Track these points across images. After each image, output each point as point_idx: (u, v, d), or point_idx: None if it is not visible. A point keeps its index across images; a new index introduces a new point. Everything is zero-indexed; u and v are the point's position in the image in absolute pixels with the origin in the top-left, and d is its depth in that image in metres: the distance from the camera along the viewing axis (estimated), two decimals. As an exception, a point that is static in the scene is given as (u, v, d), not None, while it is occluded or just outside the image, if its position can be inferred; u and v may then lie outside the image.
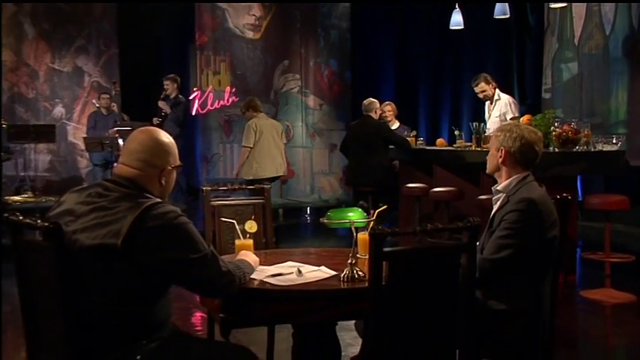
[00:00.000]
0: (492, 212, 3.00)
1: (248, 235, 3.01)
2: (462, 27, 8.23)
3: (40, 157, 10.36)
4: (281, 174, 8.24)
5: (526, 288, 2.84)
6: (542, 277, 2.87)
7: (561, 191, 5.84)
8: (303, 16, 10.47)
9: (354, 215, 2.94)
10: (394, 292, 2.26)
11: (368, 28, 11.18)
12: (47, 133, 8.78)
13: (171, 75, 9.68)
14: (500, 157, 2.98)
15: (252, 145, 7.94)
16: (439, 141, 7.65)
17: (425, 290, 2.32)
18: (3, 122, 8.76)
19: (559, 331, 4.72)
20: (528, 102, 9.63)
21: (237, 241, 2.97)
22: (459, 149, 6.99)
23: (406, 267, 2.30)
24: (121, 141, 9.46)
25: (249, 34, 10.22)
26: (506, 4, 7.54)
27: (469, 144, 6.93)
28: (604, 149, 6.05)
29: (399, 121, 8.74)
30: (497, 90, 7.29)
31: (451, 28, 8.30)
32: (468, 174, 6.61)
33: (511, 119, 6.97)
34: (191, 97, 10.03)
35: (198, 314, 4.91)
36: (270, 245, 3.79)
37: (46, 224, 2.17)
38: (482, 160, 5.56)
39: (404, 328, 2.32)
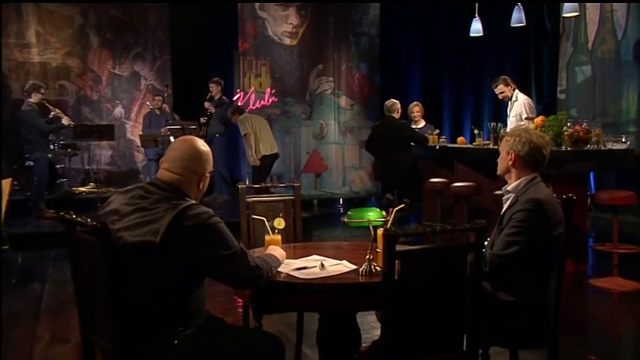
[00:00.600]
0: (502, 211, 2.96)
1: (277, 231, 2.99)
2: (482, 34, 8.07)
3: (102, 152, 10.49)
4: (276, 151, 9.12)
5: (532, 281, 2.81)
6: (548, 271, 2.84)
7: (573, 186, 5.82)
8: (336, 23, 10.40)
9: (373, 215, 2.93)
10: (406, 287, 2.27)
11: (396, 35, 11.07)
12: (107, 132, 8.90)
13: (216, 78, 9.76)
14: (510, 160, 2.94)
15: (250, 131, 8.76)
16: (460, 139, 7.52)
17: (435, 285, 2.32)
18: (71, 122, 8.92)
19: (569, 316, 4.63)
20: (545, 102, 9.45)
21: (266, 237, 2.94)
22: (477, 147, 6.91)
23: (417, 264, 2.32)
24: (172, 138, 9.60)
25: (287, 41, 10.19)
26: (522, 13, 7.37)
27: (487, 142, 6.85)
28: (613, 147, 5.93)
29: (425, 120, 8.66)
30: (516, 91, 7.10)
31: (471, 35, 8.15)
32: (486, 170, 6.53)
33: (526, 119, 6.86)
34: (235, 98, 10.02)
35: (239, 299, 4.95)
36: (300, 239, 3.74)
37: (94, 223, 2.21)
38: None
39: (416, 318, 2.33)
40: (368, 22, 10.51)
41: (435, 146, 7.60)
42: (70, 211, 2.38)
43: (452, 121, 11.03)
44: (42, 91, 8.63)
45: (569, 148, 5.77)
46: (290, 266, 2.71)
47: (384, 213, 2.94)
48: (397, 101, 7.89)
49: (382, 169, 7.99)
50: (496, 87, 7.17)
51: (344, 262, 2.76)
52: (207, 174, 2.50)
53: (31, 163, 8.67)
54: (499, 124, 6.71)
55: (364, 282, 2.51)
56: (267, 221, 3.02)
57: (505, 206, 2.97)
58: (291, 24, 10.17)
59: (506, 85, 7.09)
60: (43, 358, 4.07)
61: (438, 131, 8.13)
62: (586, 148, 5.79)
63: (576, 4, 7.06)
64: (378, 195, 10.00)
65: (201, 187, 2.49)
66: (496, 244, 2.83)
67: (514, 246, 2.74)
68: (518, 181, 2.94)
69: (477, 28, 7.93)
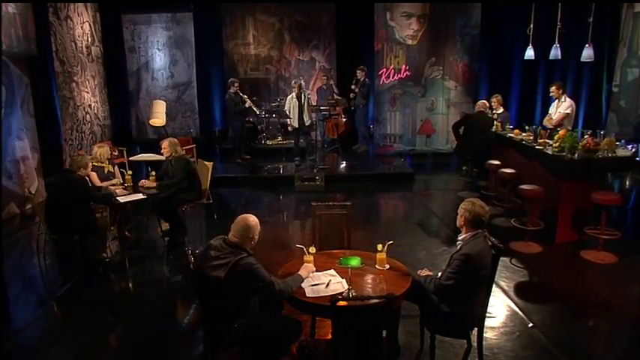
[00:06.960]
0: (453, 253, 3.08)
1: (310, 253, 3.18)
2: (533, 58, 7.32)
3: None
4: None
5: (462, 300, 2.97)
6: (474, 295, 2.98)
7: (585, 183, 5.53)
8: (445, 28, 9.93)
9: (353, 262, 3.23)
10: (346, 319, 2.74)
11: (492, 35, 10.19)
12: (285, 115, 9.56)
13: (361, 66, 9.85)
14: (462, 221, 3.07)
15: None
16: (516, 131, 6.98)
17: (365, 320, 2.77)
18: (251, 106, 9.13)
19: (559, 277, 4.73)
20: (608, 86, 8.41)
21: (304, 257, 3.15)
22: (519, 140, 6.55)
23: (352, 312, 2.71)
24: (337, 108, 9.97)
25: (409, 41, 9.98)
26: (559, 50, 6.58)
27: (531, 137, 6.41)
28: (619, 155, 5.49)
29: (503, 107, 8.27)
30: (564, 96, 6.59)
31: (525, 59, 7.41)
32: (526, 158, 6.34)
33: (559, 112, 6.49)
34: (379, 73, 10.05)
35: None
36: (349, 245, 3.76)
37: (193, 268, 2.76)
38: (533, 151, 5.71)
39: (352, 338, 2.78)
40: (470, 24, 9.84)
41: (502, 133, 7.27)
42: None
43: (543, 109, 9.92)
44: (236, 85, 9.10)
45: (581, 156, 5.48)
46: (311, 281, 2.90)
47: (362, 261, 3.26)
48: (487, 102, 7.74)
49: (467, 146, 7.74)
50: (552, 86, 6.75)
51: (343, 281, 2.90)
52: (256, 236, 2.80)
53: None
54: (539, 127, 6.42)
55: (327, 305, 2.67)
56: (305, 248, 3.22)
57: (456, 249, 3.08)
58: (413, 29, 9.92)
59: (557, 88, 6.67)
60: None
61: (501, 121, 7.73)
62: (596, 156, 5.47)
63: (591, 52, 6.22)
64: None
65: (252, 243, 2.79)
66: (443, 275, 3.02)
67: (451, 280, 2.95)
68: (465, 235, 3.05)
69: (530, 54, 7.23)
